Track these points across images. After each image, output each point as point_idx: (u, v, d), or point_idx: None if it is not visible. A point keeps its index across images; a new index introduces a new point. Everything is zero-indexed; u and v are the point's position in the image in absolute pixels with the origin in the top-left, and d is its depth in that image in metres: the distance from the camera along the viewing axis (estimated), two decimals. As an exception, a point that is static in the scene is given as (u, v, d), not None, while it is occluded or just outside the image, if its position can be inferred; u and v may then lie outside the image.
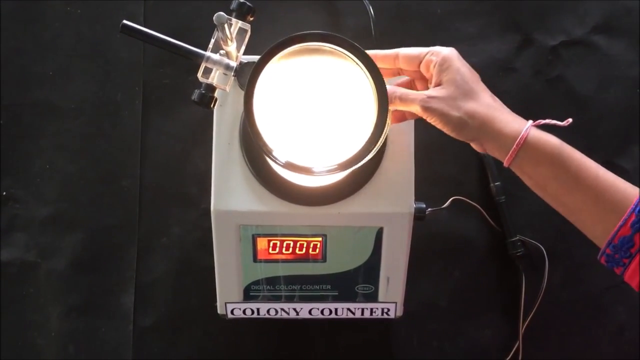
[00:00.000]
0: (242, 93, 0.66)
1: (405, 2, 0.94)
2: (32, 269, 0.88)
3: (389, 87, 0.62)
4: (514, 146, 0.59)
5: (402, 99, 0.63)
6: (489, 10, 0.95)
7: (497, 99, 0.65)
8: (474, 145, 0.64)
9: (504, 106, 0.64)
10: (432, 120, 0.63)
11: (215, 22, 0.56)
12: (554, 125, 0.63)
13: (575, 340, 0.91)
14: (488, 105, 0.62)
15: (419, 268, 0.86)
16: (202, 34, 0.88)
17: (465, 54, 0.92)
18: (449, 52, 0.64)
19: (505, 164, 0.62)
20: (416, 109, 0.63)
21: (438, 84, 0.63)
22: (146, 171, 0.90)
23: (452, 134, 0.63)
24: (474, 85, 0.63)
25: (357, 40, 0.62)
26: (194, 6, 0.92)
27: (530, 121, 0.61)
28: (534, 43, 0.94)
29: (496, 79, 0.94)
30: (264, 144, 0.60)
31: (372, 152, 0.61)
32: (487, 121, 0.61)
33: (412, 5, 0.94)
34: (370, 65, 0.61)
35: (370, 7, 0.89)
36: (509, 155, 0.60)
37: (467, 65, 0.65)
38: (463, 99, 0.61)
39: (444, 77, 0.63)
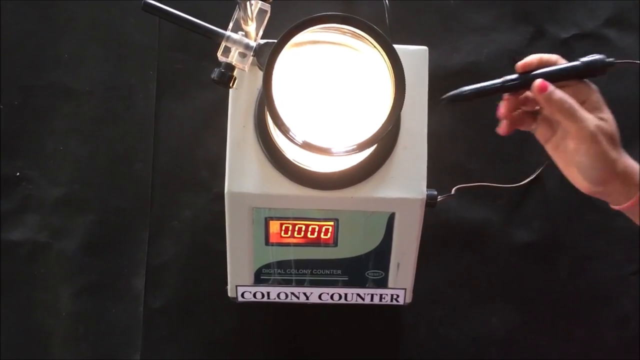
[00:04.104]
0: (258, 77, 0.67)
1: (419, -9, 0.94)
2: (44, 250, 0.88)
3: (559, 92, 0.59)
4: (634, 199, 0.59)
5: (567, 111, 0.58)
6: (502, 2, 0.95)
7: None
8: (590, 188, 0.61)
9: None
10: (584, 149, 0.59)
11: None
12: None
13: (580, 330, 0.91)
14: (618, 160, 0.59)
15: (427, 255, 0.86)
16: (216, 19, 0.89)
17: (477, 45, 0.94)
18: (596, 89, 0.61)
19: (621, 209, 0.61)
20: (579, 129, 0.58)
21: (600, 116, 0.60)
22: (159, 155, 0.90)
23: (589, 172, 0.60)
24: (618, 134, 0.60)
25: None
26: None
27: None
28: (545, 35, 0.95)
29: (507, 70, 0.93)
30: (282, 123, 0.60)
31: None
32: (628, 172, 0.59)
33: (425, -3, 0.95)
34: (388, 48, 0.62)
35: (386, -2, 0.89)
36: (627, 204, 0.60)
37: None
38: (611, 153, 0.59)
39: (603, 115, 0.60)
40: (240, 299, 0.79)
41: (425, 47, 0.74)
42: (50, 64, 0.91)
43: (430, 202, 0.74)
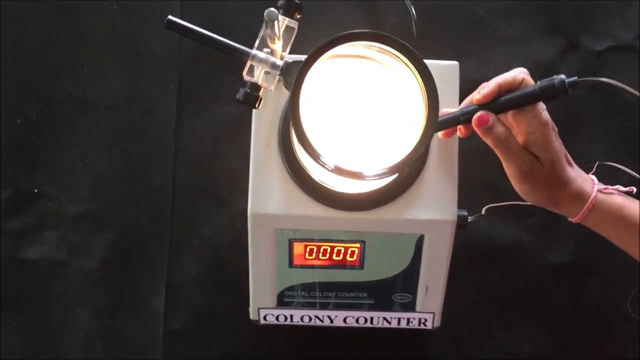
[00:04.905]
0: (282, 93, 0.64)
1: (446, 2, 0.92)
2: (62, 268, 0.87)
3: (492, 117, 0.60)
4: (579, 215, 0.62)
5: (500, 150, 0.61)
6: (533, 12, 0.92)
7: (567, 154, 0.63)
8: None
9: (570, 165, 0.63)
10: (514, 183, 0.63)
11: (265, 18, 0.54)
12: (618, 191, 0.63)
13: (613, 353, 0.89)
14: (567, 183, 0.61)
15: (456, 275, 0.84)
16: (239, 28, 0.88)
17: (507, 57, 0.92)
18: (546, 122, 0.60)
19: (574, 221, 0.64)
20: (508, 168, 0.62)
21: (539, 154, 0.61)
22: (179, 170, 0.89)
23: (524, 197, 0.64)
24: (563, 165, 0.61)
25: (398, 40, 0.60)
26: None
27: (596, 186, 0.62)
28: (579, 47, 0.92)
29: (539, 84, 0.91)
30: (312, 148, 0.58)
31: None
32: (575, 195, 0.62)
33: (454, 6, 0.92)
34: (421, 67, 0.59)
35: (412, 8, 0.86)
36: (575, 219, 0.63)
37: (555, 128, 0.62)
38: (551, 187, 0.61)
39: (544, 155, 0.60)
40: (262, 321, 0.77)
41: (456, 62, 0.72)
42: (69, 76, 0.89)
43: (460, 224, 0.72)
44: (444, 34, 0.92)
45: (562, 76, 0.57)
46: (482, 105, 0.60)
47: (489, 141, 0.61)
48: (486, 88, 0.60)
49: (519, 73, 0.60)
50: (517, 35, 0.92)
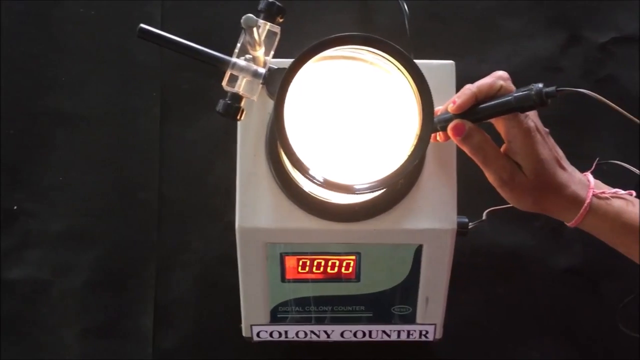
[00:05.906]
0: (268, 100, 0.61)
1: (441, -3, 0.89)
2: (46, 288, 0.85)
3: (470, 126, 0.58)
4: (573, 221, 0.60)
5: (478, 159, 0.60)
6: (532, 5, 0.90)
7: (560, 157, 0.61)
8: None
9: (562, 169, 0.60)
10: (498, 190, 0.61)
11: (243, 25, 0.50)
12: (616, 195, 0.61)
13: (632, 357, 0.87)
14: (557, 188, 0.59)
15: (458, 285, 0.81)
16: (224, 34, 0.87)
17: (506, 53, 0.89)
18: (527, 130, 0.58)
19: (571, 225, 0.62)
20: (489, 176, 0.60)
21: (520, 162, 0.59)
22: (165, 183, 0.87)
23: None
24: (551, 171, 0.59)
25: (391, 41, 0.57)
26: (214, 6, 0.88)
27: (591, 190, 0.60)
28: (582, 40, 0.89)
29: (541, 80, 0.86)
30: (299, 162, 0.55)
31: None
32: (570, 198, 0.60)
33: (449, 2, 0.89)
34: (416, 73, 0.56)
35: (405, 5, 0.83)
36: (570, 224, 0.61)
37: (543, 132, 0.60)
38: (537, 194, 0.59)
39: (525, 163, 0.59)
40: (255, 338, 0.75)
41: (451, 62, 0.69)
42: (48, 88, 0.87)
43: (461, 231, 0.70)
44: (441, 30, 0.89)
45: (540, 85, 0.55)
46: (458, 113, 0.59)
47: (465, 150, 0.60)
48: (461, 98, 0.58)
49: (497, 79, 0.58)
50: (516, 30, 0.90)
